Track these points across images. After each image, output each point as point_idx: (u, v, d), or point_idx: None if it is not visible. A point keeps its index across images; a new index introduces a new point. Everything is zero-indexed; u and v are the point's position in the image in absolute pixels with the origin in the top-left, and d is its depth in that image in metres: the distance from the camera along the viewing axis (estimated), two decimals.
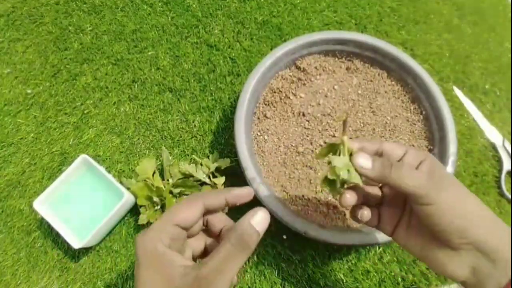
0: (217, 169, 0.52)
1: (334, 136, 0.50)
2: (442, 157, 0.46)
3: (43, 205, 0.48)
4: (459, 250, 0.28)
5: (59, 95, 0.60)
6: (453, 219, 0.28)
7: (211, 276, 0.25)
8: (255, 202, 0.35)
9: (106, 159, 0.56)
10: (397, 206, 0.34)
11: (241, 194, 0.31)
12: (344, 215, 0.46)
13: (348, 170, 0.31)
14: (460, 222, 0.28)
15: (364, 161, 0.30)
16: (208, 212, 0.30)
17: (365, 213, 0.33)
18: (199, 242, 0.32)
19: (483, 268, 0.28)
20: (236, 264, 0.26)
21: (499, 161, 0.57)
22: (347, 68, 0.54)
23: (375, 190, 0.35)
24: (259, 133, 0.51)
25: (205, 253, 0.32)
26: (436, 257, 0.30)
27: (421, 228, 0.31)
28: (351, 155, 0.31)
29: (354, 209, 0.34)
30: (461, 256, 0.28)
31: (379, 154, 0.33)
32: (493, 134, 0.58)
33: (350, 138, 0.41)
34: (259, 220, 0.27)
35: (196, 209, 0.28)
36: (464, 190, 0.30)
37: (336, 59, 0.55)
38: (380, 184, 0.35)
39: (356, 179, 0.31)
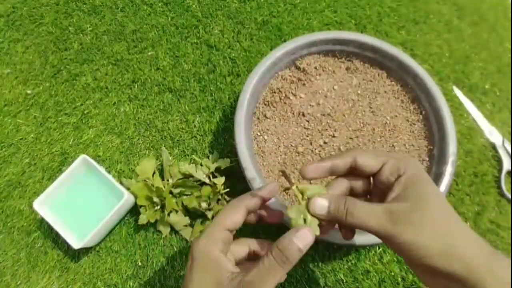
0: (217, 169, 0.52)
1: (334, 136, 0.50)
2: (442, 157, 0.46)
3: (43, 205, 0.48)
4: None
5: (59, 95, 0.60)
6: (418, 258, 0.27)
7: (254, 282, 0.27)
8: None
9: (106, 159, 0.56)
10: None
11: (271, 189, 0.33)
12: None
13: (305, 220, 0.30)
14: (425, 260, 0.26)
15: (318, 209, 0.30)
16: (248, 212, 0.32)
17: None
18: (243, 248, 0.34)
19: None
20: (275, 275, 0.28)
21: (499, 161, 0.57)
22: (347, 68, 0.54)
23: (359, 184, 0.34)
24: (259, 133, 0.51)
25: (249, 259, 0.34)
26: (414, 269, 0.30)
27: None
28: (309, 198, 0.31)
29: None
30: (435, 278, 0.28)
31: (353, 168, 0.32)
32: (493, 134, 0.58)
33: (342, 149, 0.40)
34: (301, 237, 0.28)
35: (241, 213, 0.31)
36: (442, 213, 0.28)
37: (336, 59, 0.55)
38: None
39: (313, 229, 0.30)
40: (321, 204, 0.30)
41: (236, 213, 0.31)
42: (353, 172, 0.32)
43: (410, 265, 0.30)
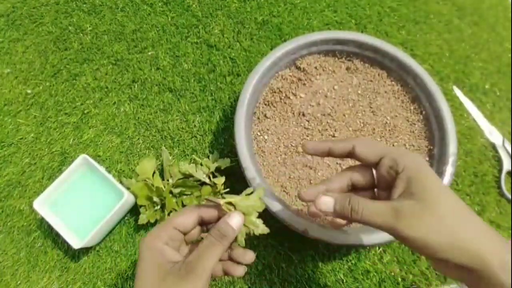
0: (217, 169, 0.52)
1: (334, 136, 0.50)
2: (442, 157, 0.46)
3: (43, 205, 0.48)
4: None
5: (59, 95, 0.60)
6: (429, 253, 0.27)
7: (194, 261, 0.30)
8: None
9: (106, 159, 0.56)
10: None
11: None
12: None
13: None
14: (436, 254, 0.27)
15: (324, 206, 0.32)
16: (204, 221, 0.35)
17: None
18: (188, 218, 0.35)
19: (469, 280, 0.28)
20: (214, 251, 0.31)
21: (499, 161, 0.57)
22: (347, 68, 0.54)
23: (366, 178, 0.34)
24: (259, 133, 0.51)
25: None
26: (427, 259, 0.30)
27: None
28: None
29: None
30: (449, 269, 0.28)
31: (351, 154, 0.33)
32: (493, 134, 0.58)
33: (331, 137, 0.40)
34: (232, 219, 0.32)
35: (191, 217, 0.34)
36: (448, 207, 0.27)
37: (336, 59, 0.55)
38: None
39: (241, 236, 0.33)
40: (327, 202, 0.32)
41: (187, 215, 0.34)
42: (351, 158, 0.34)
43: (423, 255, 0.30)
